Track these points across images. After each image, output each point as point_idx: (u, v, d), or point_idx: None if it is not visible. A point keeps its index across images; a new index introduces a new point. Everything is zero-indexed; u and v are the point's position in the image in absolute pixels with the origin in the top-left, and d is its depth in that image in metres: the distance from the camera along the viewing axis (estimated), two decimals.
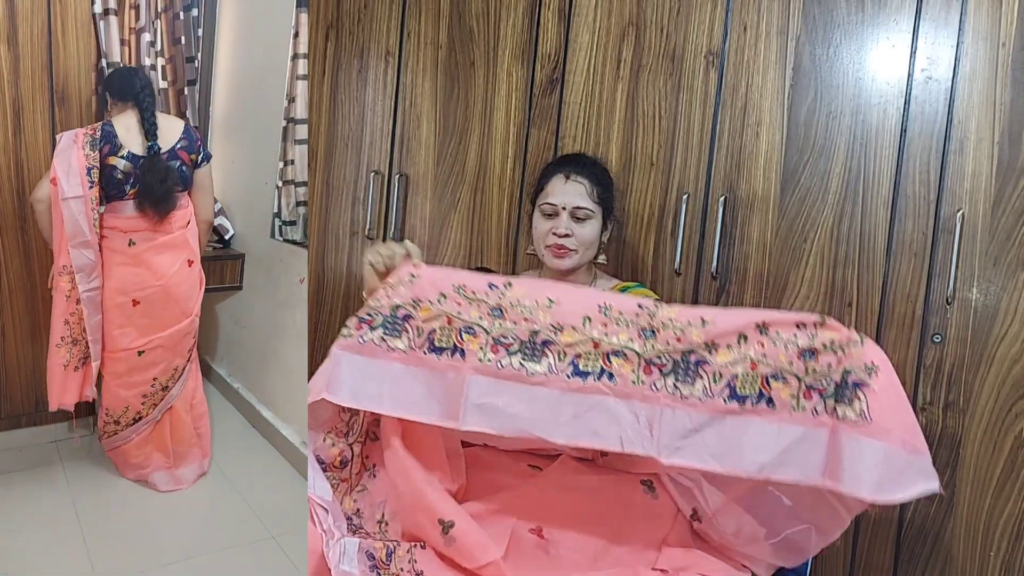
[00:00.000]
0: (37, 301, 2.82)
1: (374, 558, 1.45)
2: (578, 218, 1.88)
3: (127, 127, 2.50)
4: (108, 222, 2.50)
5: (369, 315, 1.51)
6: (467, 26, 2.45)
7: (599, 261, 1.97)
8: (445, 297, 1.49)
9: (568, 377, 1.41)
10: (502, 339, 1.45)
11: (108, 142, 2.45)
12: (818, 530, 1.54)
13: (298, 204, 3.02)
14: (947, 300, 1.94)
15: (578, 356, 1.41)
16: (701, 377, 1.37)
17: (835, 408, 1.31)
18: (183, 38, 3.40)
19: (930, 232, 1.96)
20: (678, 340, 1.39)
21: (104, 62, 3.08)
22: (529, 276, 2.06)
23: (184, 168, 2.58)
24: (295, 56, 2.91)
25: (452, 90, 2.48)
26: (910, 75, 1.98)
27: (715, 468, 1.35)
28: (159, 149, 2.51)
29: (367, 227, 2.59)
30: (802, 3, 2.07)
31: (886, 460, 1.27)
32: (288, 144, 2.99)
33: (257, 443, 3.13)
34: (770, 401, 1.34)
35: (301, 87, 2.88)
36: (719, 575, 1.53)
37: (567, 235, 1.87)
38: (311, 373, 2.65)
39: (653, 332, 1.41)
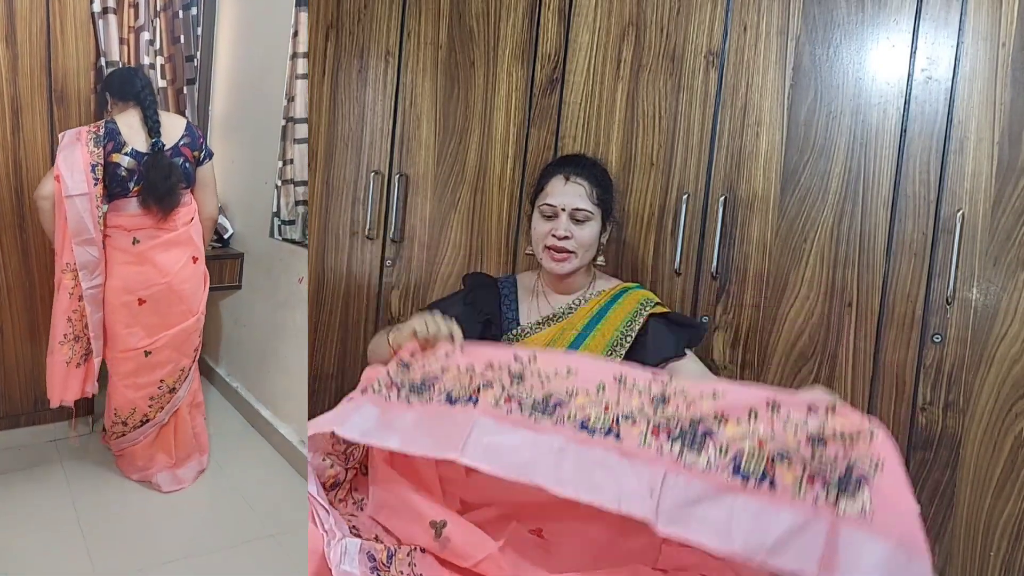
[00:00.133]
0: (36, 300, 2.81)
1: (375, 559, 1.45)
2: (577, 220, 1.88)
3: (130, 125, 2.50)
4: (111, 220, 2.49)
5: (401, 382, 1.57)
6: (467, 26, 2.45)
7: (598, 263, 1.97)
8: (473, 368, 1.53)
9: (575, 430, 1.40)
10: (516, 394, 1.46)
11: (112, 139, 2.45)
12: None
13: (297, 203, 3.02)
14: (947, 300, 1.94)
15: (588, 417, 1.41)
16: (707, 448, 1.34)
17: (837, 500, 1.28)
18: (182, 37, 3.40)
19: (930, 232, 1.96)
20: (688, 408, 1.38)
21: (103, 61, 3.08)
22: (528, 276, 2.07)
23: (187, 165, 2.58)
24: (294, 55, 2.91)
25: (452, 90, 2.48)
26: (910, 75, 1.98)
27: (711, 544, 1.29)
28: (163, 146, 2.51)
29: (367, 227, 2.59)
30: (802, 3, 2.07)
31: (885, 562, 1.23)
32: (287, 143, 2.99)
33: (256, 442, 3.13)
34: (772, 483, 1.30)
35: (300, 86, 2.88)
36: None
37: (566, 237, 1.87)
38: (311, 372, 2.68)
39: (664, 399, 1.41)
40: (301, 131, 2.92)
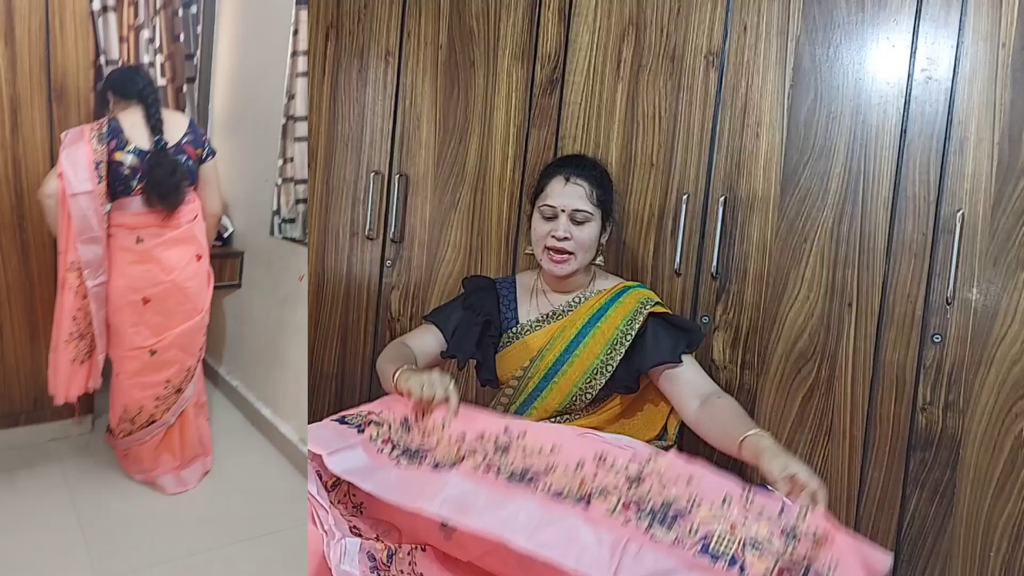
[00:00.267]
0: (35, 299, 2.81)
1: (375, 559, 1.46)
2: (577, 221, 1.88)
3: (133, 123, 2.50)
4: (115, 219, 2.49)
5: (398, 442, 1.58)
6: (467, 26, 2.45)
7: (597, 263, 1.98)
8: (464, 436, 1.54)
9: (546, 496, 1.39)
10: (496, 462, 1.46)
11: (115, 137, 2.45)
12: None
13: (297, 202, 3.02)
14: (947, 300, 1.94)
15: (561, 489, 1.40)
16: (676, 526, 1.32)
17: None
18: (182, 35, 3.40)
19: (930, 232, 1.96)
20: (662, 489, 1.37)
21: (103, 59, 3.07)
22: (528, 275, 2.07)
23: (190, 162, 2.58)
24: (294, 53, 2.90)
25: (452, 90, 2.48)
26: (910, 75, 1.98)
27: None
28: (166, 144, 2.51)
29: (367, 227, 2.59)
30: (802, 3, 2.07)
31: None
32: (287, 141, 2.99)
33: (256, 440, 3.13)
34: (743, 569, 1.26)
35: (301, 84, 2.87)
36: None
37: (566, 238, 1.87)
38: (311, 372, 2.68)
39: (640, 479, 1.40)
40: (301, 129, 2.92)
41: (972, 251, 1.92)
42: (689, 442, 1.93)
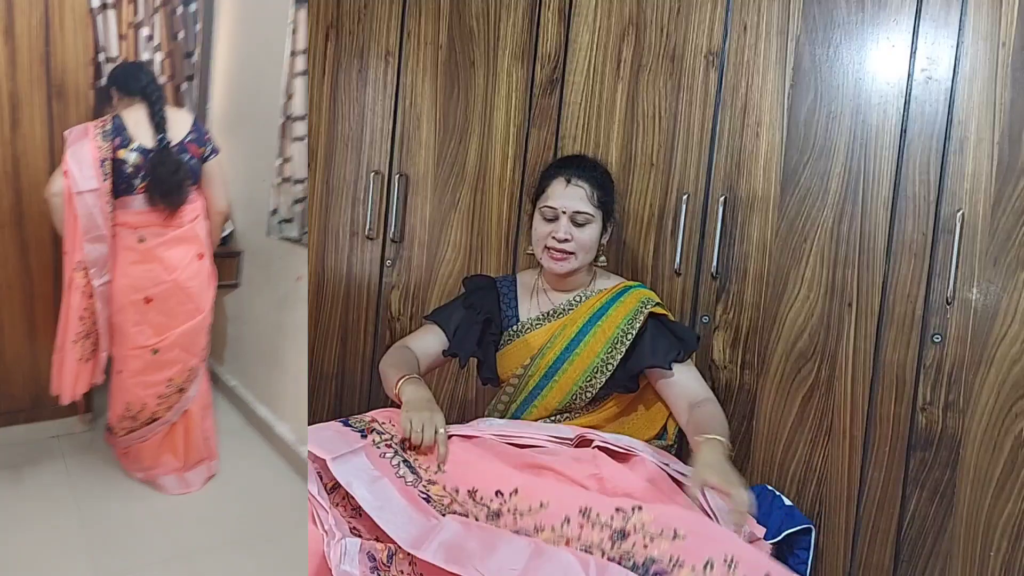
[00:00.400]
0: (34, 297, 2.80)
1: (375, 559, 1.45)
2: (578, 223, 1.88)
3: (136, 120, 2.49)
4: (117, 218, 2.47)
5: (396, 450, 1.63)
6: (467, 26, 2.45)
7: (599, 263, 1.98)
8: (456, 492, 1.58)
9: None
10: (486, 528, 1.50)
11: (119, 134, 2.44)
12: None
13: (296, 201, 3.01)
14: (947, 300, 1.94)
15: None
16: None
17: None
18: (181, 33, 3.39)
19: (930, 232, 1.96)
20: (645, 547, 1.39)
21: (102, 56, 3.07)
22: (529, 273, 2.07)
23: (193, 161, 2.57)
24: (293, 52, 2.90)
25: (452, 90, 2.48)
26: (910, 75, 1.98)
27: None
28: (169, 142, 2.50)
29: (367, 227, 2.59)
30: (802, 3, 2.07)
31: None
32: (286, 141, 2.98)
33: (254, 440, 3.13)
34: None
35: (299, 83, 2.87)
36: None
37: (566, 240, 1.88)
38: (311, 372, 2.67)
39: (624, 535, 1.41)
40: (300, 129, 2.91)
41: (972, 251, 1.92)
42: (689, 442, 1.93)
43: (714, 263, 2.14)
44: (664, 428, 1.99)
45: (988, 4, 1.91)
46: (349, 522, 1.54)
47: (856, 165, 2.03)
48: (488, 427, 1.81)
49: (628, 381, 1.90)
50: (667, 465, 1.72)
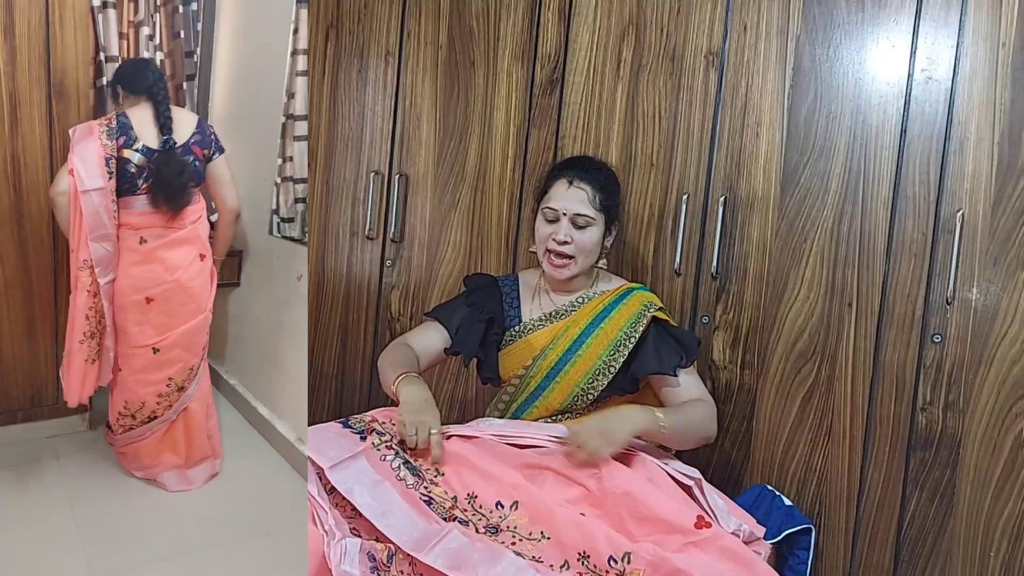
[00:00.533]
0: (33, 296, 2.80)
1: (375, 559, 1.45)
2: (578, 225, 1.88)
3: (142, 119, 2.48)
4: (120, 218, 2.47)
5: (397, 452, 1.63)
6: (467, 26, 2.45)
7: (600, 266, 1.98)
8: (456, 500, 1.58)
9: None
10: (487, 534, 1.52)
11: (123, 134, 2.44)
12: None
13: (296, 201, 3.01)
14: (947, 300, 1.94)
15: None
16: None
17: None
18: (182, 32, 3.39)
19: (930, 232, 1.96)
20: None
21: (103, 56, 3.06)
22: (531, 273, 2.07)
23: (197, 163, 2.57)
24: (294, 52, 2.90)
25: (452, 90, 2.48)
26: (910, 75, 1.98)
27: None
28: (174, 143, 2.50)
29: (367, 227, 2.59)
30: (802, 3, 2.07)
31: None
32: (287, 140, 2.98)
33: (254, 440, 3.13)
34: None
35: (300, 83, 2.87)
36: None
37: (566, 242, 1.88)
38: (311, 372, 2.67)
39: None
40: (301, 128, 2.91)
41: (972, 251, 1.92)
42: None
43: (714, 263, 2.14)
44: None
45: (988, 4, 1.91)
46: (349, 522, 1.54)
47: (856, 165, 2.03)
48: (488, 427, 1.81)
49: (628, 384, 1.90)
50: (667, 465, 1.72)
